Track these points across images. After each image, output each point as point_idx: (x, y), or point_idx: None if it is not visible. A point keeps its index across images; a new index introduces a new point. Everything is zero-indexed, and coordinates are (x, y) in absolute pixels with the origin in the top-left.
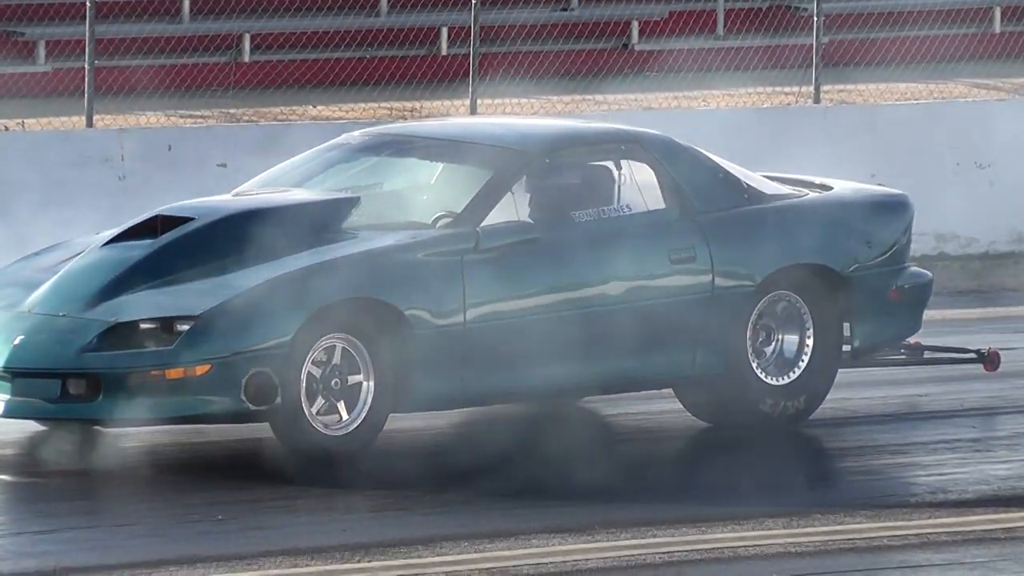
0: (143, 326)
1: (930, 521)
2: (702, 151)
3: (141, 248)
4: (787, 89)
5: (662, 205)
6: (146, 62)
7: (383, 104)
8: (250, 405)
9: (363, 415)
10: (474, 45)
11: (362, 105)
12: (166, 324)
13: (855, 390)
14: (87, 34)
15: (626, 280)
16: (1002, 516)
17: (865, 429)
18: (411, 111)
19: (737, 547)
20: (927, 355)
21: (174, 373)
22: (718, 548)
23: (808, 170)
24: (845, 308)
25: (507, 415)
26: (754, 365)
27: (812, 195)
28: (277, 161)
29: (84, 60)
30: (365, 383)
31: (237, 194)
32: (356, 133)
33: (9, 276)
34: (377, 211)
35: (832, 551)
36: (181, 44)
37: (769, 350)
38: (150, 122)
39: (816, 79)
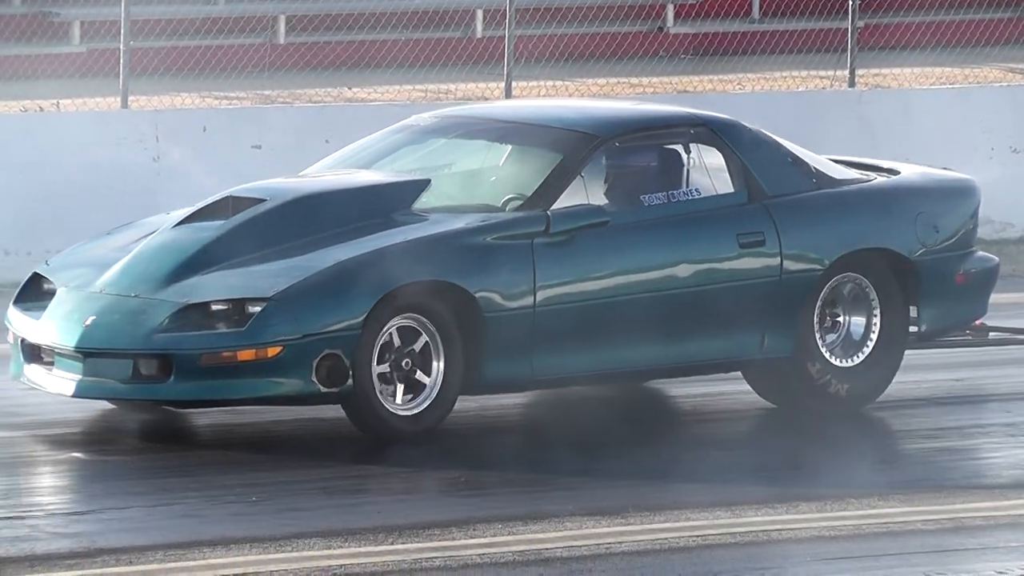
0: (215, 307)
1: (964, 505)
2: (771, 135)
3: (213, 229)
4: (822, 73)
5: (731, 189)
6: (181, 43)
7: (418, 86)
8: (321, 387)
9: (433, 397)
10: (509, 27)
11: (396, 87)
12: (238, 305)
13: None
14: (122, 15)
15: (695, 263)
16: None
17: (902, 413)
18: (446, 93)
19: (771, 530)
20: (992, 336)
21: (246, 355)
22: (752, 532)
23: (842, 154)
24: (912, 292)
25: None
26: (821, 347)
27: (879, 179)
28: (311, 143)
29: (119, 41)
30: (435, 365)
31: (305, 175)
32: (425, 115)
33: (81, 256)
34: (447, 193)
35: (866, 535)
36: (216, 25)
37: (836, 333)
38: (184, 103)
39: (851, 63)
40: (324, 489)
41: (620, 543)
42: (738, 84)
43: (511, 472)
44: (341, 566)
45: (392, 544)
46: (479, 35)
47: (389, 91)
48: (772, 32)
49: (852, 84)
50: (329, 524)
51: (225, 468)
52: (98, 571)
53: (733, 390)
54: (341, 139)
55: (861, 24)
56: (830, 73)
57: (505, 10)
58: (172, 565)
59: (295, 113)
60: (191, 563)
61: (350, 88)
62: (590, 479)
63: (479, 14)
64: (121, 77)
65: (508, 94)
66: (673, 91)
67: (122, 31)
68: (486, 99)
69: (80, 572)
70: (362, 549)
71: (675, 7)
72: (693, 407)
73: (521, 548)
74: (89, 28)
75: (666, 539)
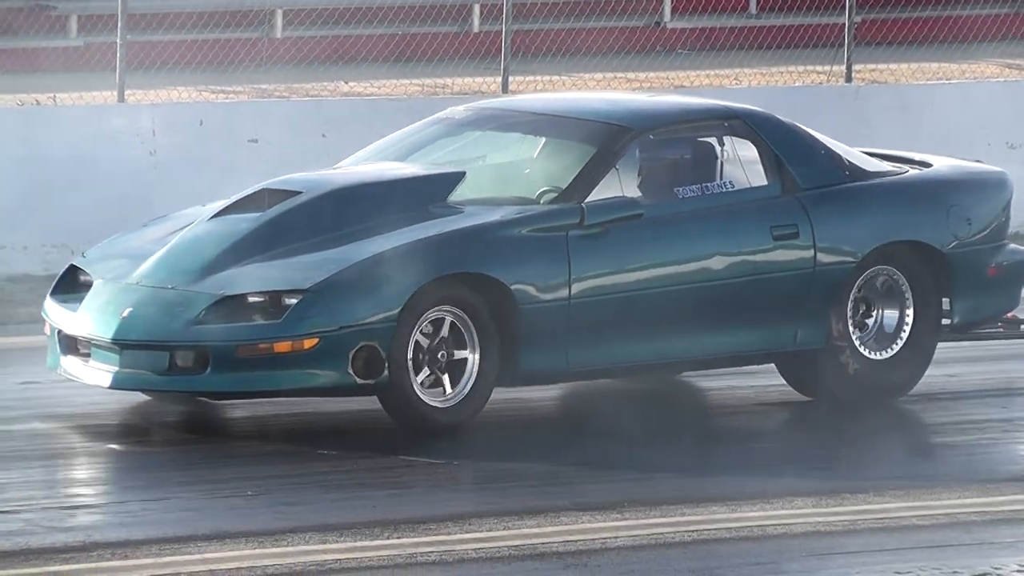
0: (251, 299)
1: (960, 501)
2: (804, 128)
3: (249, 221)
4: (819, 68)
5: (764, 181)
6: (178, 37)
7: (415, 81)
8: (357, 379)
9: (468, 388)
10: (506, 22)
11: (393, 81)
12: (274, 297)
13: None
14: (119, 8)
15: (729, 256)
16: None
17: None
18: (442, 88)
19: (766, 525)
20: None
21: (282, 346)
22: (747, 527)
23: None
24: (945, 284)
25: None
26: (855, 339)
27: (912, 172)
28: (308, 137)
29: (116, 34)
30: (471, 357)
31: (340, 168)
32: (460, 107)
33: (117, 248)
34: (482, 186)
35: (861, 530)
36: (213, 19)
37: (869, 324)
38: (181, 97)
39: (848, 58)
40: (320, 483)
41: (616, 538)
42: (735, 79)
43: (508, 465)
44: (336, 560)
45: (387, 539)
46: (476, 30)
47: (386, 85)
48: (769, 27)
49: (849, 79)
50: (324, 518)
51: (221, 462)
52: (93, 565)
53: (742, 384)
54: (338, 133)
55: (858, 19)
56: (827, 68)
57: (502, 5)
58: (168, 559)
59: (292, 107)
60: (186, 557)
61: (347, 82)
62: (585, 474)
63: (476, 9)
64: (118, 71)
65: (504, 89)
66: (670, 86)
67: (119, 25)
68: (483, 94)
69: (75, 566)
70: (357, 544)
71: (672, 2)
72: (703, 401)
73: (517, 543)
74: (87, 21)
75: (661, 534)
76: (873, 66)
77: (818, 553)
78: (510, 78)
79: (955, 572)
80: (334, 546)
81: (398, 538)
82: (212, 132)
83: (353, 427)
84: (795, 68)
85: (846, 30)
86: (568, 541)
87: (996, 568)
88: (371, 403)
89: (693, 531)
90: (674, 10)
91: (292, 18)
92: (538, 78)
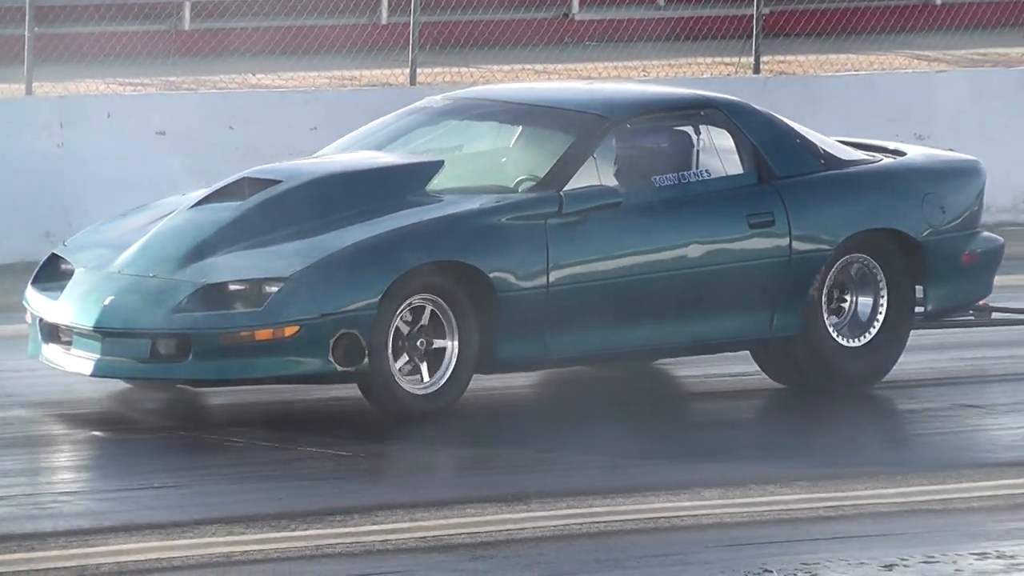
0: (232, 287)
1: (867, 492)
2: (779, 117)
3: (230, 210)
4: (727, 60)
5: (740, 170)
6: (87, 29)
7: (323, 73)
8: (337, 366)
9: (447, 376)
10: (415, 14)
11: (301, 74)
12: (255, 285)
13: None
14: (27, 0)
15: (706, 244)
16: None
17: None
18: (351, 80)
19: (672, 517)
20: (995, 316)
21: (263, 334)
22: (653, 518)
23: None
24: (919, 272)
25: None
26: (829, 327)
27: (886, 161)
28: (215, 129)
29: (24, 27)
30: (450, 344)
31: (319, 157)
32: (438, 97)
33: (97, 237)
34: (460, 174)
35: (767, 521)
36: (122, 12)
37: (844, 311)
38: (89, 90)
39: (756, 50)
40: (230, 475)
41: (521, 529)
42: (643, 71)
43: (416, 457)
44: (243, 552)
45: (294, 531)
46: (384, 21)
47: (294, 77)
48: (678, 19)
49: (757, 71)
50: (232, 510)
51: (132, 455)
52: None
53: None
54: (245, 125)
55: (767, 11)
56: (735, 60)
57: None
58: (74, 552)
59: (200, 99)
60: (94, 550)
61: (255, 75)
62: (492, 466)
63: (384, 1)
64: (26, 63)
65: (413, 81)
66: (579, 78)
67: (27, 17)
68: (391, 85)
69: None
70: (263, 535)
71: None
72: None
73: (423, 535)
74: None
75: (568, 525)
76: (781, 58)
77: (725, 544)
78: (418, 70)
79: (862, 563)
80: (241, 538)
81: (305, 530)
82: (120, 124)
83: (260, 419)
84: (703, 60)
85: (754, 21)
86: (475, 533)
87: (903, 559)
88: (279, 392)
89: (600, 522)
90: (582, 2)
91: (200, 10)
92: (447, 70)
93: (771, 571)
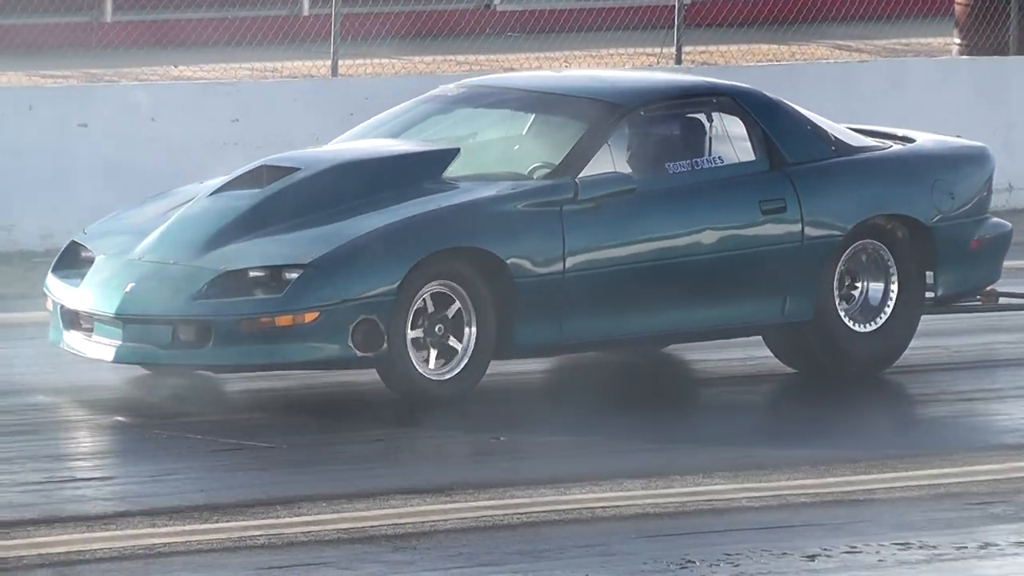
0: (252, 274)
1: (788, 483)
2: (791, 104)
3: (248, 197)
4: (649, 50)
5: (752, 157)
6: (7, 22)
7: (244, 65)
8: (357, 352)
9: (465, 361)
10: (336, 5)
11: (223, 65)
12: (275, 272)
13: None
14: None
15: (718, 230)
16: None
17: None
18: (272, 71)
19: (595, 507)
20: (1002, 301)
21: (283, 320)
22: (576, 509)
23: None
24: (928, 257)
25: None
26: (841, 312)
27: (896, 147)
28: (137, 121)
29: None
30: (468, 330)
31: (336, 145)
32: (452, 85)
33: (117, 224)
34: (476, 162)
35: (690, 512)
36: (43, 3)
37: (855, 297)
38: (11, 82)
39: (678, 40)
40: (151, 467)
41: (445, 520)
42: (565, 61)
43: (338, 448)
44: (165, 544)
45: (216, 522)
46: (305, 13)
47: (216, 69)
48: (600, 9)
49: (679, 61)
50: (153, 503)
51: (53, 444)
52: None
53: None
54: (167, 117)
55: (688, 1)
56: (657, 50)
57: None
58: None
59: (122, 91)
60: (15, 542)
61: (176, 66)
62: (413, 456)
63: None
64: None
65: (335, 72)
66: (500, 69)
67: None
68: (312, 77)
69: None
70: (185, 527)
71: None
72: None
73: (346, 526)
74: None
75: (490, 516)
76: (703, 48)
77: (649, 535)
78: (340, 61)
79: (784, 553)
80: (163, 529)
81: (227, 521)
82: (41, 117)
83: (184, 407)
84: (626, 50)
85: (676, 11)
86: (397, 524)
87: (825, 550)
88: (210, 382)
89: (522, 513)
90: None
91: (122, 2)
92: (368, 61)
93: (693, 562)
